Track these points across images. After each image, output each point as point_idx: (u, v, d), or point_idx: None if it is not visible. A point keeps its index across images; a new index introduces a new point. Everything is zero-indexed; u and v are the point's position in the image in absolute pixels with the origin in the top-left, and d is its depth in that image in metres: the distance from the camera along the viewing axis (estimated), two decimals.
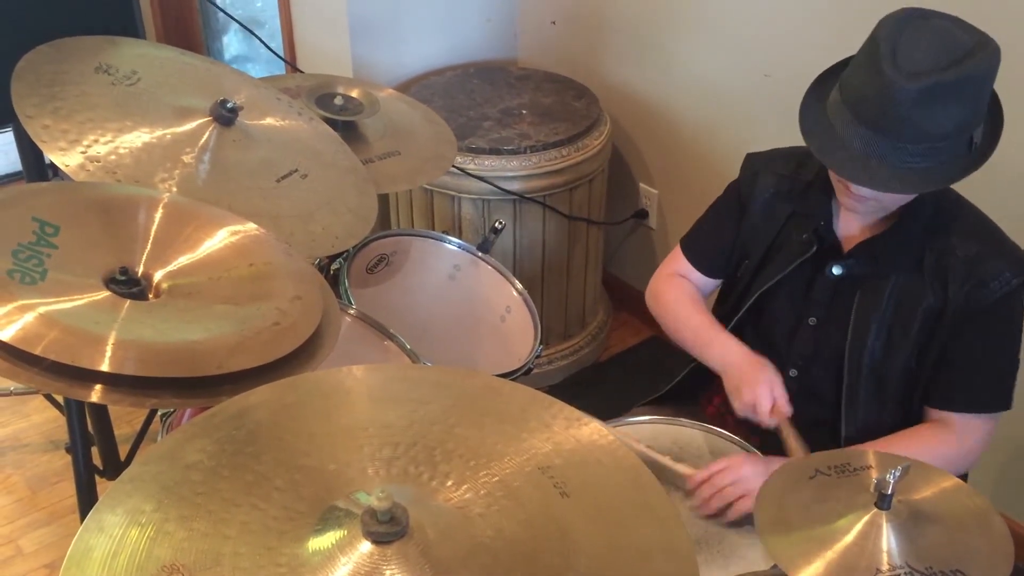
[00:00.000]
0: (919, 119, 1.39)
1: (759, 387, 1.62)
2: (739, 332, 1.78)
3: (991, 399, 1.60)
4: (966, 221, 1.59)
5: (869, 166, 1.44)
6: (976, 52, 1.39)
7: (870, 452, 1.28)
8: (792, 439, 1.60)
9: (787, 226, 1.72)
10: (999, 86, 2.00)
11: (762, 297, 1.73)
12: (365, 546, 0.92)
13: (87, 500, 2.01)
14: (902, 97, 1.38)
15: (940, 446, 1.58)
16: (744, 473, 1.55)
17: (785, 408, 1.62)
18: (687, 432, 1.74)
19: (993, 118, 1.49)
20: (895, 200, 1.54)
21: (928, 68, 1.38)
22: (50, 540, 2.42)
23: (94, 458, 2.04)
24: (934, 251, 1.57)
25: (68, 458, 2.07)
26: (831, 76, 1.57)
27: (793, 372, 1.73)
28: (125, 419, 2.61)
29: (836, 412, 1.68)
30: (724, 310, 1.84)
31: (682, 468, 1.60)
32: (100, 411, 2.06)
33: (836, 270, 1.65)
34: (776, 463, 1.56)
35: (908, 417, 1.65)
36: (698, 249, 1.86)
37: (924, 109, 1.38)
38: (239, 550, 0.93)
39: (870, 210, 1.57)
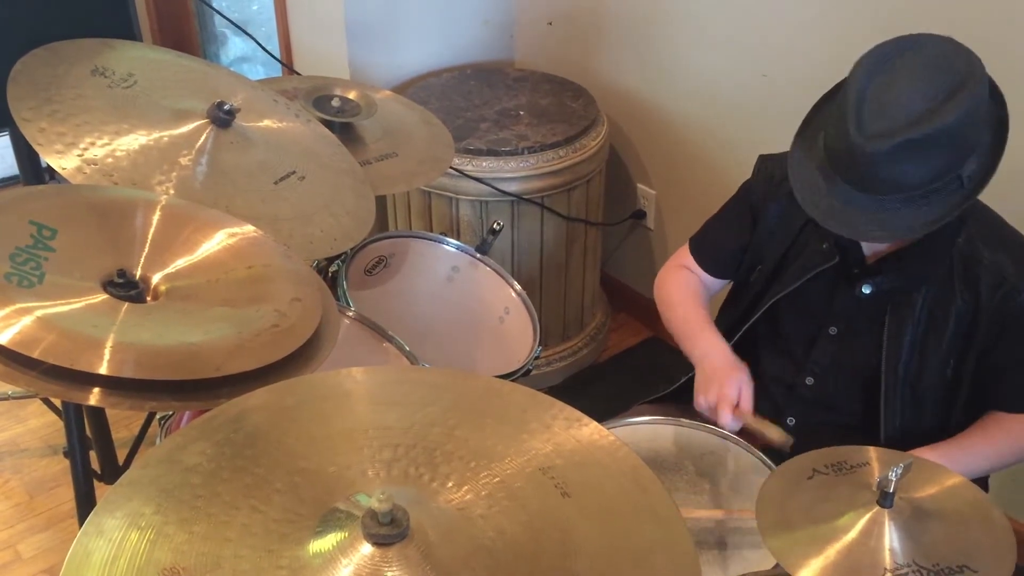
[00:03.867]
0: (891, 175, 1.39)
1: (727, 386, 1.62)
2: (752, 337, 1.78)
3: None
4: (991, 230, 1.58)
5: (851, 218, 1.45)
6: (950, 99, 1.36)
7: (870, 449, 1.27)
8: (768, 428, 1.61)
9: (803, 233, 1.71)
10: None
11: (777, 304, 1.73)
12: (366, 548, 0.92)
13: (85, 504, 2.01)
14: (869, 159, 1.38)
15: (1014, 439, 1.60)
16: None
17: (747, 407, 1.62)
18: (686, 432, 1.73)
19: (994, 144, 1.45)
20: (909, 235, 1.53)
21: (893, 128, 1.36)
22: (49, 545, 2.41)
23: (92, 462, 2.03)
24: (962, 259, 1.56)
25: (66, 463, 2.06)
26: (816, 114, 1.58)
27: (809, 380, 1.72)
28: (123, 423, 2.60)
29: (860, 421, 1.68)
30: (736, 314, 1.83)
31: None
32: (98, 415, 2.05)
33: (866, 289, 1.63)
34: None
35: (945, 423, 1.65)
36: (705, 250, 1.86)
37: (894, 166, 1.38)
38: (240, 553, 0.92)
39: (886, 242, 1.58)
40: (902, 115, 1.37)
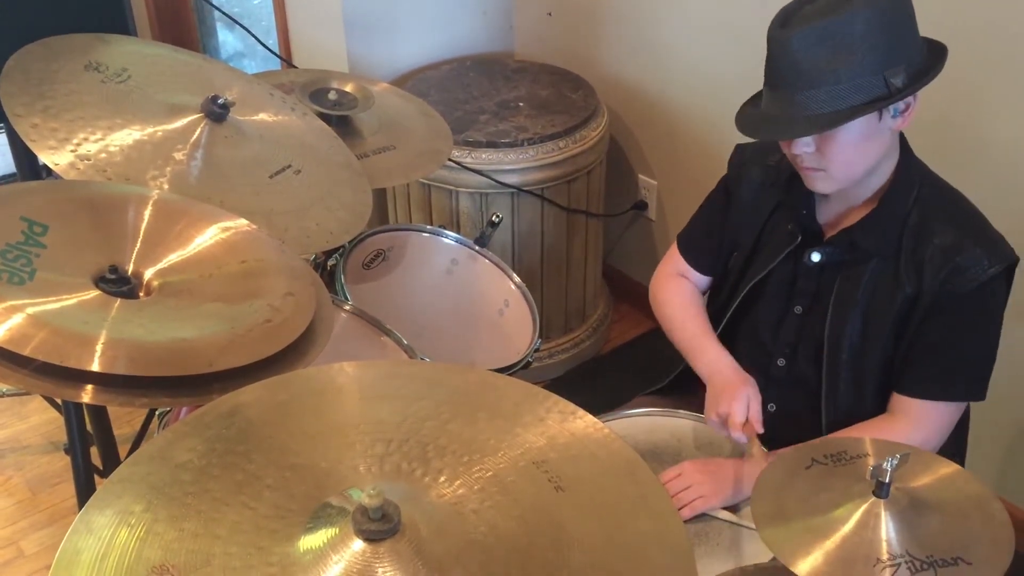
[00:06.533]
0: (808, 64, 1.43)
1: (736, 401, 1.60)
2: (733, 325, 1.77)
3: (950, 387, 1.58)
4: (948, 208, 1.58)
5: (777, 122, 1.49)
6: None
7: (867, 440, 1.26)
8: (764, 456, 1.59)
9: (773, 217, 1.71)
10: (995, 73, 1.99)
11: (753, 288, 1.72)
12: (357, 544, 0.91)
13: (87, 501, 2.00)
14: (788, 48, 1.44)
15: (892, 438, 1.52)
16: (696, 479, 1.58)
17: (757, 426, 1.60)
18: (685, 424, 1.73)
19: (926, 67, 1.48)
20: (842, 167, 1.52)
21: (807, 19, 1.44)
22: (51, 541, 2.41)
23: (93, 458, 2.03)
24: (913, 238, 1.55)
25: (68, 459, 2.06)
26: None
27: (781, 361, 1.72)
28: (125, 419, 2.60)
29: (818, 402, 1.67)
30: (718, 303, 1.83)
31: None
32: (99, 411, 2.04)
33: (815, 256, 1.64)
34: (727, 466, 1.60)
35: (882, 406, 1.64)
36: (693, 248, 1.86)
37: (810, 52, 1.42)
38: (230, 550, 0.92)
39: (826, 185, 1.56)
40: (811, 14, 1.45)
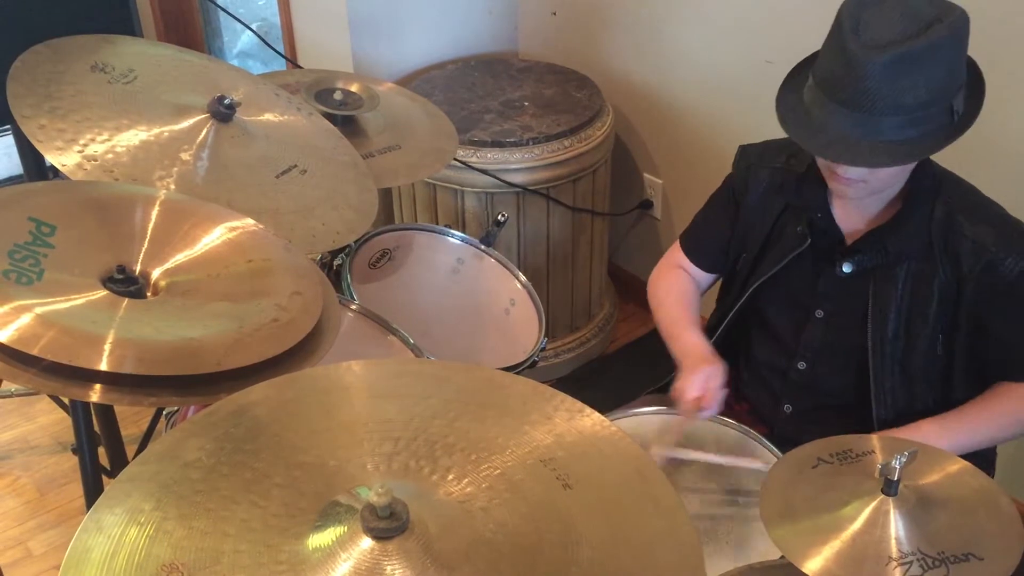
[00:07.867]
0: (889, 91, 1.38)
1: (694, 377, 1.61)
2: (740, 325, 1.77)
3: None
4: (969, 202, 1.57)
5: (849, 144, 1.43)
6: (941, 19, 1.38)
7: (874, 437, 1.26)
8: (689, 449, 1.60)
9: (781, 219, 1.71)
10: (999, 70, 1.99)
11: (762, 291, 1.72)
12: (366, 542, 0.91)
13: (95, 501, 2.01)
14: (870, 71, 1.37)
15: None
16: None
17: (711, 404, 1.60)
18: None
19: (974, 85, 1.46)
20: (884, 181, 1.52)
21: (893, 39, 1.37)
22: (59, 542, 2.42)
23: (101, 458, 2.03)
24: (941, 233, 1.55)
25: (76, 459, 2.07)
26: (805, 67, 1.56)
27: (802, 365, 1.72)
28: (132, 420, 2.61)
29: (854, 402, 1.67)
30: (725, 304, 1.83)
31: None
32: (106, 411, 2.05)
33: (847, 267, 1.62)
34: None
35: (942, 401, 1.64)
36: (695, 244, 1.86)
37: (893, 80, 1.37)
38: (239, 548, 0.92)
39: (860, 193, 1.55)
40: (896, 31, 1.38)
